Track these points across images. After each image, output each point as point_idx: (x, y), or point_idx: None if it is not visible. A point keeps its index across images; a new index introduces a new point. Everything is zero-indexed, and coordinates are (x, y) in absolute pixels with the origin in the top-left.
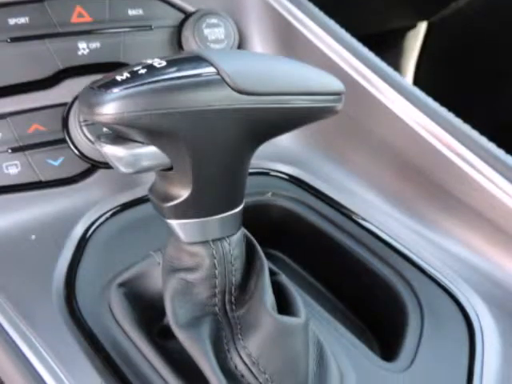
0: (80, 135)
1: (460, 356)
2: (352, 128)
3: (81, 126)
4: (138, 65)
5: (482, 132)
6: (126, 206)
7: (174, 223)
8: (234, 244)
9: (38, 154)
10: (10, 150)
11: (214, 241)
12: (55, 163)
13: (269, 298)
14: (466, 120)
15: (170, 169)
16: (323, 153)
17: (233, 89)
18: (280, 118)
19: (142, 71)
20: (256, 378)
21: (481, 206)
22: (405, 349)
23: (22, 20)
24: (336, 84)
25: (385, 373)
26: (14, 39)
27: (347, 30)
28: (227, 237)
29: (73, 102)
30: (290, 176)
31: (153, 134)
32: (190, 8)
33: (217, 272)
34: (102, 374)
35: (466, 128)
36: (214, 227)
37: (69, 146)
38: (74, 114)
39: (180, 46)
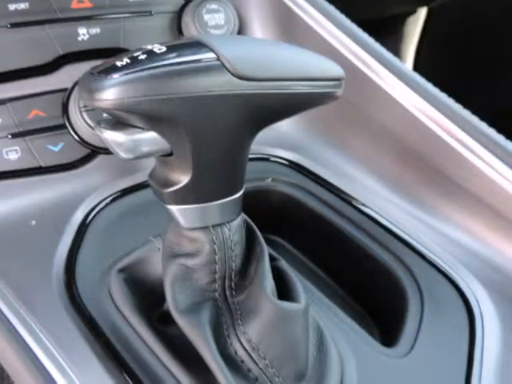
0: (80, 121)
1: (460, 342)
2: (352, 114)
3: (81, 112)
4: (137, 50)
5: (482, 118)
6: (125, 192)
7: (174, 209)
8: (234, 230)
9: (38, 139)
10: (9, 136)
11: (213, 226)
12: (55, 149)
13: (269, 283)
14: (466, 106)
15: (170, 154)
16: (323, 138)
17: (233, 74)
18: (280, 103)
19: (142, 57)
20: (256, 364)
21: (481, 192)
22: (405, 334)
23: (22, 6)
24: (336, 70)
25: (385, 358)
26: (14, 25)
27: (347, 16)
28: (227, 222)
29: (73, 88)
30: (290, 162)
31: (153, 119)
32: None
33: (217, 257)
34: (102, 359)
35: (466, 114)
36: (214, 213)
37: (69, 132)
38: (74, 99)
39: (180, 32)
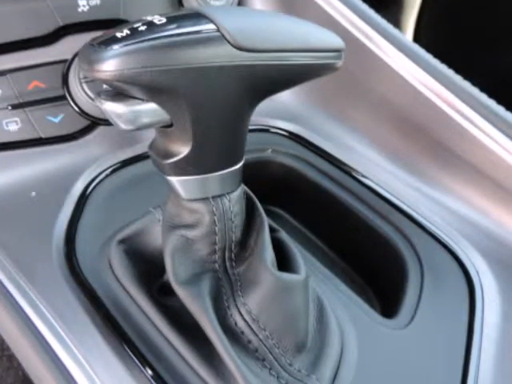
0: (80, 92)
1: (460, 312)
2: (352, 85)
3: (81, 83)
4: (138, 22)
5: (482, 89)
6: (125, 163)
7: (174, 180)
8: (234, 201)
9: (38, 110)
10: (9, 107)
11: (213, 198)
12: (55, 120)
13: (269, 254)
14: (466, 77)
15: (170, 126)
16: (323, 110)
17: (233, 46)
18: (280, 74)
19: (142, 28)
20: (256, 335)
21: (481, 163)
22: (405, 305)
23: None
24: (336, 41)
25: (385, 329)
26: None
27: None
28: (227, 194)
29: (73, 59)
30: (290, 133)
31: (153, 90)
32: None
33: (217, 229)
34: (102, 330)
35: (466, 85)
36: (214, 184)
37: (69, 103)
38: (74, 70)
39: (180, 3)
